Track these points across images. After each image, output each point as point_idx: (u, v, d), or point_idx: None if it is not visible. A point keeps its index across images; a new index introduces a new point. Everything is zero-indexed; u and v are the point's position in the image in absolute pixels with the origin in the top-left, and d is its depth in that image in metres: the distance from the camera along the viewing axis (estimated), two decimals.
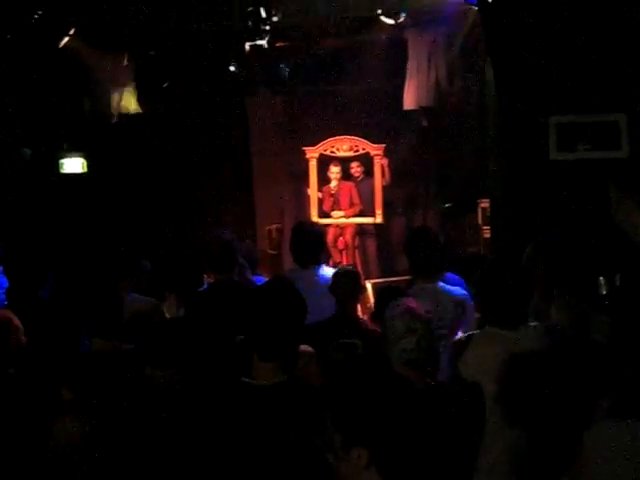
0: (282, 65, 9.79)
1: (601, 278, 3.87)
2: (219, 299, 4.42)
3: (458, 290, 4.51)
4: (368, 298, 7.95)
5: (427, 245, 4.56)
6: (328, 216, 9.56)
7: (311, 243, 5.14)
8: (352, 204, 9.58)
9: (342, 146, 9.54)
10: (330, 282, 4.63)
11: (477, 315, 4.33)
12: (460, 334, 4.35)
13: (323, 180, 9.67)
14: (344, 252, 9.58)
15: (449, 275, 4.72)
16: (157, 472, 2.63)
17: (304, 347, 3.46)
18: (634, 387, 2.17)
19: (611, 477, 2.13)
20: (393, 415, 1.95)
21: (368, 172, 9.66)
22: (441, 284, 4.53)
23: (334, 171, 9.57)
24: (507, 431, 3.18)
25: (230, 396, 2.66)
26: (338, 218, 9.52)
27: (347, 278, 4.55)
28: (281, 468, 2.53)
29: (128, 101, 9.54)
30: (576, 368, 3.05)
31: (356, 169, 9.73)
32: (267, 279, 4.91)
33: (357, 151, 9.55)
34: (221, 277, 4.68)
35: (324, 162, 9.63)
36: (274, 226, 10.46)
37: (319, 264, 5.14)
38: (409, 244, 4.74)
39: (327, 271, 5.08)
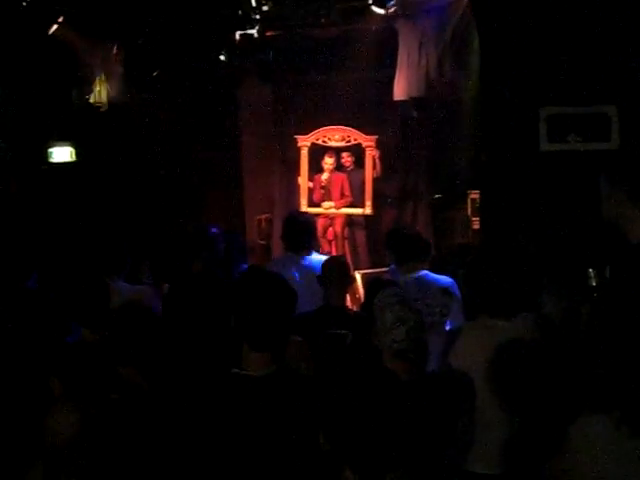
0: (271, 53, 9.72)
1: (591, 270, 3.88)
2: (195, 290, 4.43)
3: (443, 278, 4.62)
4: (357, 289, 7.95)
5: (407, 239, 4.72)
6: (318, 206, 9.55)
7: (303, 231, 5.21)
8: (343, 195, 9.57)
9: (334, 136, 9.53)
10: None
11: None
12: (449, 323, 4.44)
13: (314, 169, 9.65)
14: (333, 243, 9.58)
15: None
16: (150, 464, 2.61)
17: (292, 336, 3.46)
18: (618, 380, 2.17)
19: (595, 469, 2.14)
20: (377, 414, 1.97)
21: (358, 163, 9.64)
22: (424, 272, 4.62)
23: (328, 162, 9.56)
24: (498, 420, 3.19)
25: (222, 387, 2.65)
26: (328, 209, 9.51)
27: (336, 268, 4.57)
28: (274, 458, 2.52)
29: (116, 90, 9.49)
30: (563, 359, 3.06)
31: (347, 159, 9.70)
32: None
33: (349, 142, 9.53)
34: (198, 268, 4.70)
35: (315, 152, 9.61)
36: (264, 216, 10.44)
37: (309, 252, 5.20)
38: (389, 241, 4.92)
39: (317, 258, 5.13)
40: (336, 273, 4.52)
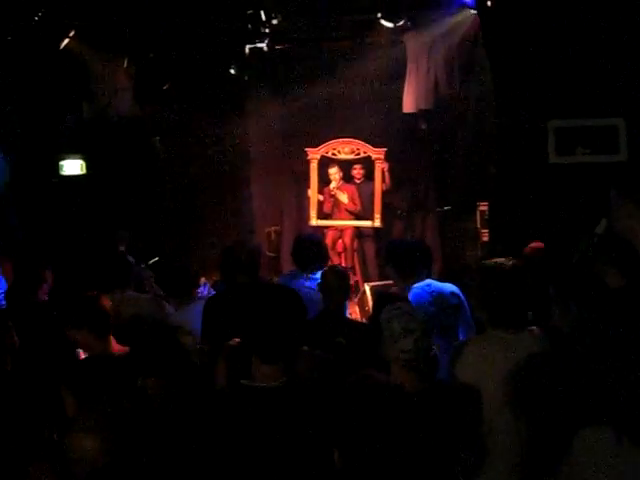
0: (280, 66, 9.79)
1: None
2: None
3: (447, 284, 4.71)
4: (367, 301, 7.95)
5: (405, 254, 4.76)
6: (327, 218, 9.58)
7: (312, 254, 5.24)
8: (353, 204, 9.62)
9: (343, 148, 9.56)
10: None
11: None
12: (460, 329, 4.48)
13: (323, 182, 9.68)
14: (343, 255, 9.58)
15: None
16: (160, 475, 2.61)
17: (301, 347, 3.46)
18: (620, 392, 2.18)
19: None
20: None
21: (368, 176, 9.66)
22: (429, 281, 4.66)
23: (331, 172, 9.60)
24: (506, 432, 3.19)
25: (231, 398, 2.66)
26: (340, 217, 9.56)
27: (335, 276, 4.61)
28: (284, 469, 2.53)
29: (127, 103, 9.56)
30: (570, 371, 3.06)
31: (359, 171, 9.73)
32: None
33: (358, 154, 9.56)
34: (247, 279, 4.67)
35: (324, 164, 9.64)
36: (273, 228, 10.47)
37: (318, 270, 5.22)
38: (389, 259, 4.95)
39: None
40: (334, 281, 4.57)
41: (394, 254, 4.95)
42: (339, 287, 4.57)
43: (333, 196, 9.59)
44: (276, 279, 6.16)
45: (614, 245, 3.53)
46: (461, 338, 4.44)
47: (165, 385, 3.09)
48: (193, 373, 3.26)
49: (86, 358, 3.76)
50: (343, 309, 4.66)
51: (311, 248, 5.32)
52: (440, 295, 4.54)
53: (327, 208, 9.62)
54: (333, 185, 9.60)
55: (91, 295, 3.75)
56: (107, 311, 3.71)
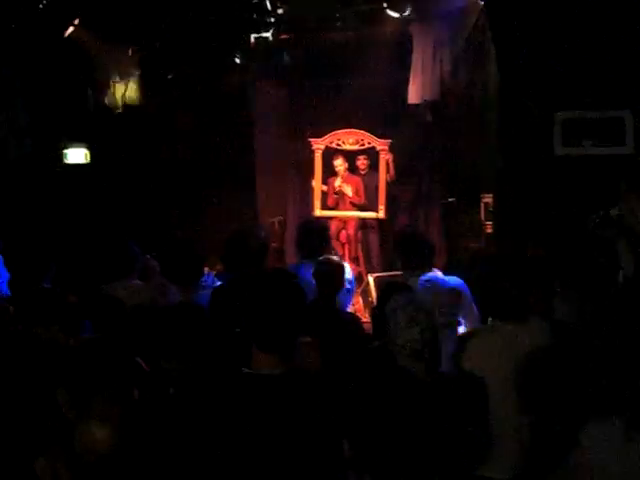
0: (285, 56, 9.76)
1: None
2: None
3: (452, 278, 4.70)
4: (370, 292, 7.95)
5: (413, 244, 4.75)
6: (331, 209, 9.56)
7: (317, 239, 5.25)
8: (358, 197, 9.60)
9: (348, 139, 9.51)
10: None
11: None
12: (462, 323, 4.47)
13: (327, 173, 9.65)
14: (346, 246, 9.55)
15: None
16: (167, 464, 2.61)
17: (303, 337, 3.46)
18: (626, 385, 2.17)
19: (603, 473, 2.14)
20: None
21: (373, 166, 9.63)
22: (433, 274, 4.66)
23: (337, 164, 9.56)
24: (510, 423, 3.19)
25: (233, 387, 2.65)
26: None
27: (327, 266, 4.62)
28: (288, 457, 2.52)
29: (132, 92, 9.55)
30: (576, 363, 3.06)
31: (363, 162, 9.69)
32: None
33: (362, 145, 9.52)
34: (253, 269, 4.68)
35: (329, 155, 9.61)
36: (277, 219, 10.45)
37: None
38: (396, 246, 4.96)
39: None
40: (326, 270, 4.58)
41: (400, 244, 4.96)
42: (329, 276, 4.59)
43: (338, 192, 9.56)
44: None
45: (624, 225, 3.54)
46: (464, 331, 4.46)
47: (184, 368, 3.11)
48: (211, 356, 3.25)
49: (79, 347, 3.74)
50: (333, 297, 4.66)
51: (316, 235, 5.33)
52: (436, 293, 4.53)
53: (331, 202, 9.59)
54: (338, 183, 9.56)
55: (59, 291, 3.76)
56: (76, 308, 3.72)
